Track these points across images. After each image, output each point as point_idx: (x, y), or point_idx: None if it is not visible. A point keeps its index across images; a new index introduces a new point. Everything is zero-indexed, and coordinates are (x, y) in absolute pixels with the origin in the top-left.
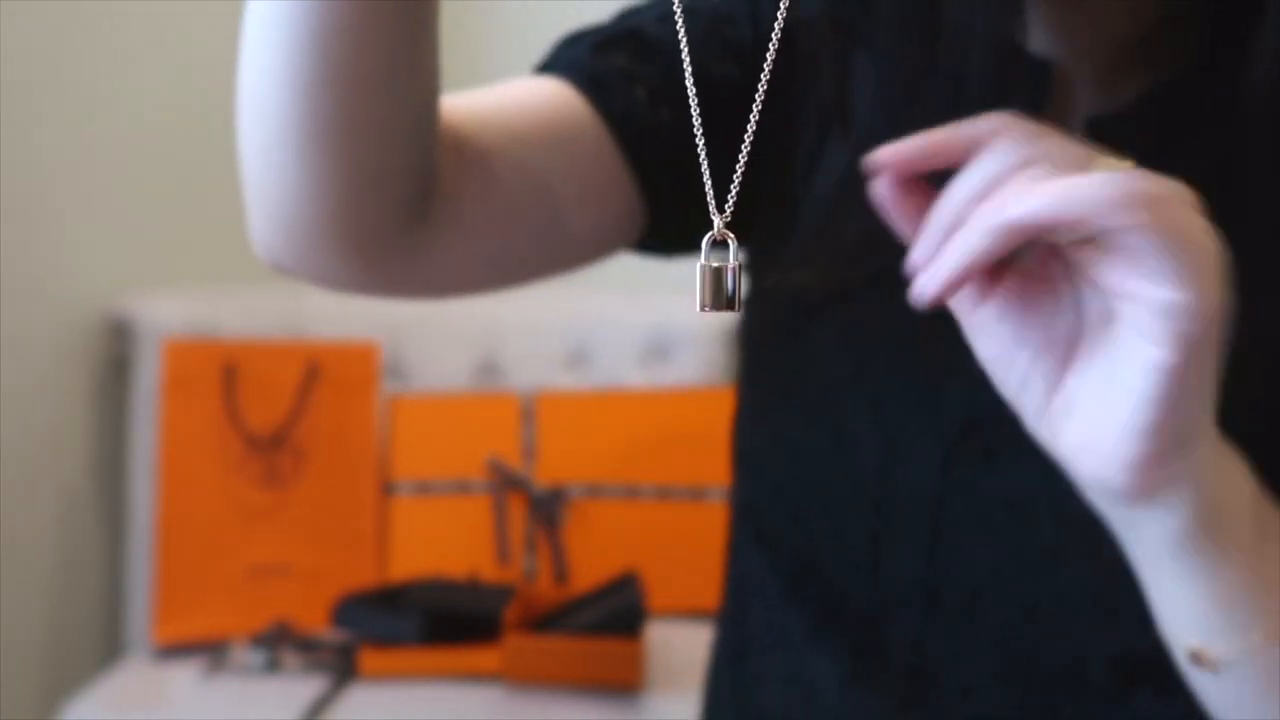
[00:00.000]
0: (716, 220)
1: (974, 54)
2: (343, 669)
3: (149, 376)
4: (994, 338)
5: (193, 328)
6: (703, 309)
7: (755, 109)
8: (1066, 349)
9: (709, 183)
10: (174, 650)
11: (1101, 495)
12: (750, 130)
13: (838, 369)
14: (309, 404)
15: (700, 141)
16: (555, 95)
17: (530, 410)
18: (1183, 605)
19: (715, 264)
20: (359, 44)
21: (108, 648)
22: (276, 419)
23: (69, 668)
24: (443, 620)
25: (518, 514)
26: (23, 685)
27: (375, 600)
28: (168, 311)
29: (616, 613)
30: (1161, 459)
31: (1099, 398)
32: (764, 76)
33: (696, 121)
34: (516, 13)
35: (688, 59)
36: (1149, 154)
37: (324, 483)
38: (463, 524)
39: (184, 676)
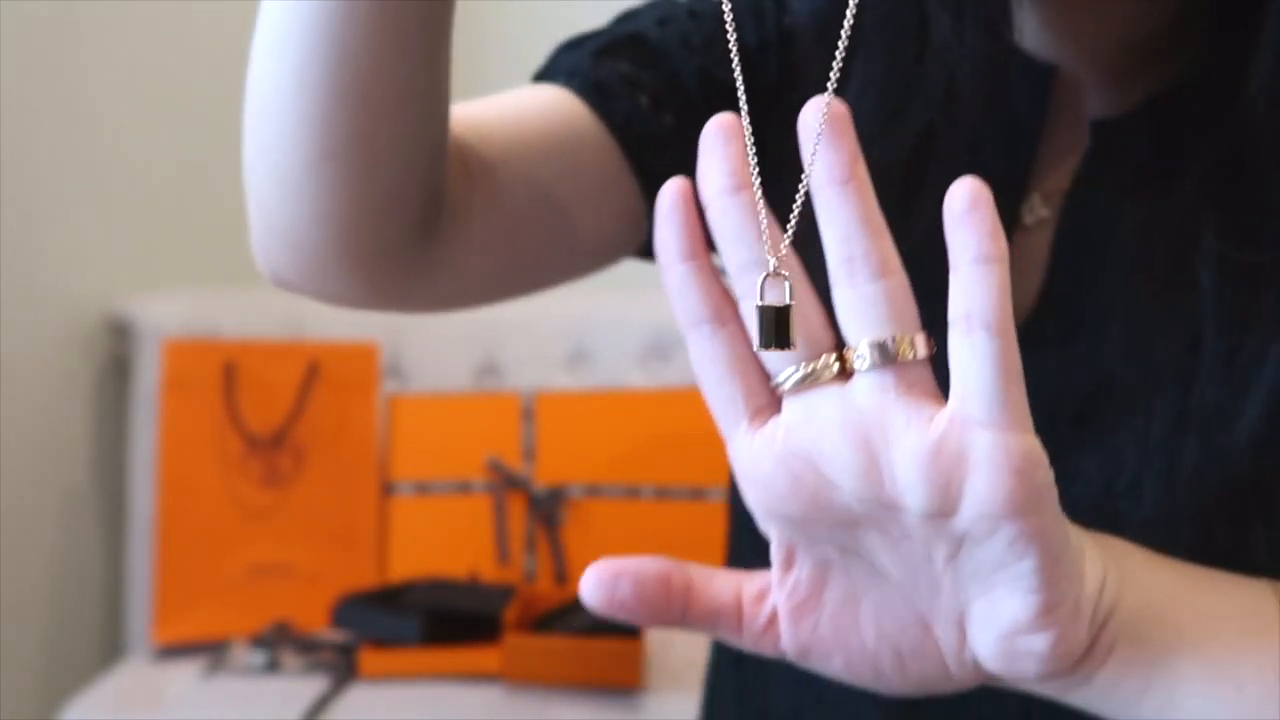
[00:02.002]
0: (771, 260)
1: (962, 61)
2: (343, 669)
3: (149, 376)
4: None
5: (193, 328)
6: (761, 349)
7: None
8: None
9: (764, 220)
10: (174, 650)
11: (1053, 686)
12: (809, 163)
13: None
14: (309, 404)
15: (757, 180)
16: (557, 103)
17: (530, 410)
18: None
19: (774, 304)
20: (377, 62)
21: (108, 648)
22: (276, 419)
23: (69, 668)
24: (443, 620)
25: (518, 514)
26: (23, 685)
27: (375, 600)
28: (168, 311)
29: None
30: (1062, 633)
31: (951, 624)
32: (828, 94)
33: (752, 154)
34: (515, 16)
35: (741, 82)
36: (1155, 157)
37: (324, 483)
38: (463, 524)
39: (184, 676)
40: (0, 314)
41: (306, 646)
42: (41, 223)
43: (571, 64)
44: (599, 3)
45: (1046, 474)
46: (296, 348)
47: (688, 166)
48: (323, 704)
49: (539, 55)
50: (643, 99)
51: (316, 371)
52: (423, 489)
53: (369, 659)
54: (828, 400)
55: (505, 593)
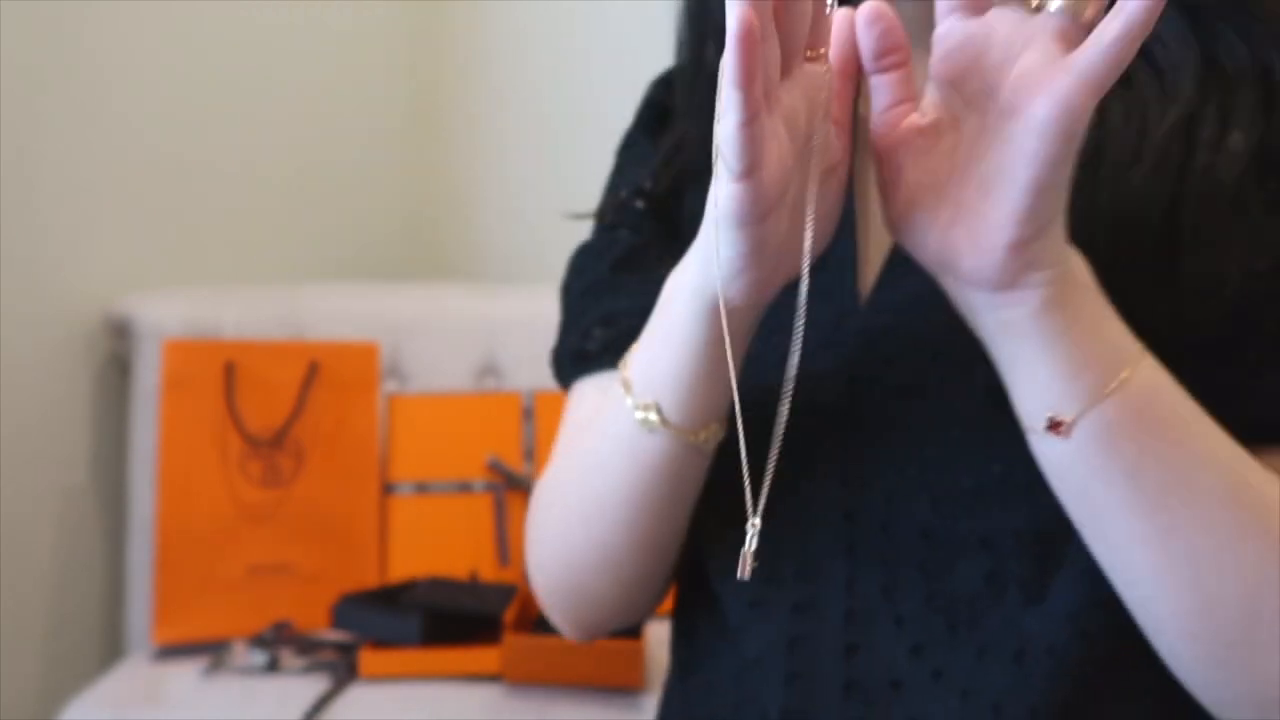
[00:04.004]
0: (752, 528)
1: None
2: (343, 669)
3: (149, 376)
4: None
5: (193, 328)
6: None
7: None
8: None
9: (749, 487)
10: (174, 650)
11: (974, 291)
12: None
13: None
14: (309, 404)
15: (745, 457)
16: (591, 397)
17: (530, 410)
18: (1040, 379)
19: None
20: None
21: (108, 648)
22: (276, 419)
23: (69, 668)
24: (443, 620)
25: (518, 514)
26: (23, 685)
27: (375, 600)
28: (168, 311)
29: None
30: (1030, 242)
31: (984, 198)
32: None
33: (742, 440)
34: (518, 11)
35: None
36: None
37: (324, 483)
38: (463, 524)
39: (184, 676)
40: (0, 314)
41: (306, 646)
42: (41, 223)
43: (569, 362)
44: (604, 2)
45: (1079, 138)
46: (296, 348)
47: None
48: (323, 704)
49: (543, 52)
50: (626, 342)
51: (316, 371)
52: (422, 489)
53: (369, 659)
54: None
55: (505, 593)
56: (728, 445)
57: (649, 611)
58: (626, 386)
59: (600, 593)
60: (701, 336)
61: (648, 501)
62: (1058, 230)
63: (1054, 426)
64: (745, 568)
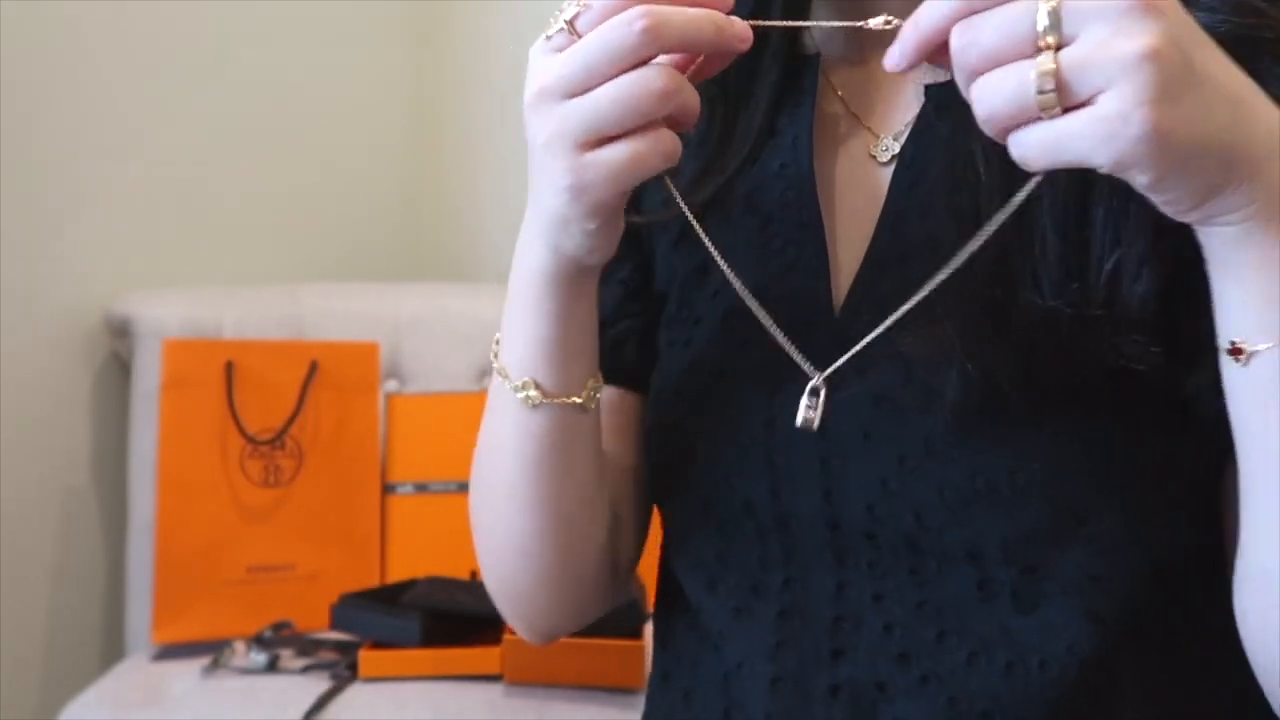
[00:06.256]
0: (816, 377)
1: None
2: (343, 669)
3: (149, 376)
4: None
5: (193, 328)
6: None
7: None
8: None
9: (791, 350)
10: (174, 650)
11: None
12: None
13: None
14: (309, 404)
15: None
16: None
17: None
18: (1235, 300)
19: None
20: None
21: (108, 648)
22: (276, 419)
23: (69, 668)
24: (443, 620)
25: None
26: (23, 685)
27: (375, 600)
28: (168, 311)
29: (616, 613)
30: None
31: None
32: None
33: (782, 344)
34: (518, 12)
35: None
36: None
37: (324, 483)
38: (463, 524)
39: (184, 676)
40: (0, 314)
41: (306, 646)
42: (41, 223)
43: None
44: None
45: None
46: (296, 348)
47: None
48: (323, 704)
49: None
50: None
51: (316, 371)
52: (422, 489)
53: (369, 659)
54: None
55: None
56: (687, 460)
57: (592, 613)
58: (503, 374)
59: (526, 588)
60: (561, 306)
61: (548, 475)
62: (1233, 174)
63: (1235, 351)
64: (814, 422)
